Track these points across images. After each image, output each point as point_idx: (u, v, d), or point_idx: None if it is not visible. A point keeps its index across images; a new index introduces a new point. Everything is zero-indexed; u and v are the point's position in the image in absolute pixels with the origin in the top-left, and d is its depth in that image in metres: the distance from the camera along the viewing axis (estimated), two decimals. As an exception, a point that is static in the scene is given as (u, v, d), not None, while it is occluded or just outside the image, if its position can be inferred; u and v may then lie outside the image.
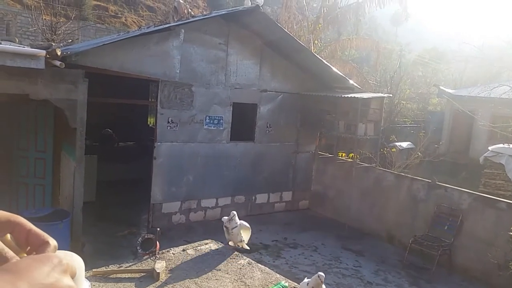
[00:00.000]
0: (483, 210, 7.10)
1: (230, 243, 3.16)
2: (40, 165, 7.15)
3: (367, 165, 9.16)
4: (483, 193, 7.92)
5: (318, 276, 2.83)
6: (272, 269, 3.17)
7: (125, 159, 10.47)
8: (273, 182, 9.50)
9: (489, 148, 10.88)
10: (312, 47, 13.54)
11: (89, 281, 2.03)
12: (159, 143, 7.74)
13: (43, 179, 7.15)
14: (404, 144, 11.56)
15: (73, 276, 0.54)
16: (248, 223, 8.83)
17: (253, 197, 9.30)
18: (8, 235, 0.58)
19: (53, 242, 0.60)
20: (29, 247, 0.59)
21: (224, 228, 3.10)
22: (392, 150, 10.08)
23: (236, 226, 3.03)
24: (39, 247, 0.59)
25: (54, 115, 7.02)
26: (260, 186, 9.31)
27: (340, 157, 10.02)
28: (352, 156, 9.96)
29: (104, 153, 9.73)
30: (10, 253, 0.56)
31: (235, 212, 3.12)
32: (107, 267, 2.85)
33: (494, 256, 6.28)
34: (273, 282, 2.75)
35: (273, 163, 9.42)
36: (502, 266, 6.08)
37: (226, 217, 3.58)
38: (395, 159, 9.69)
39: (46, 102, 6.16)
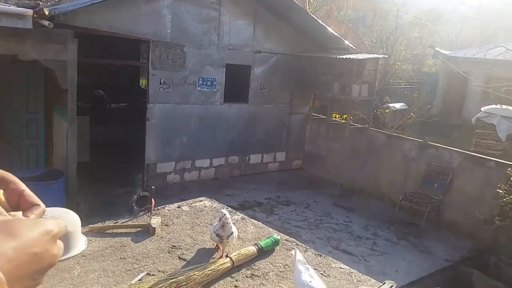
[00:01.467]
0: (473, 168, 7.25)
1: (220, 250, 2.58)
2: (32, 127, 7.12)
3: (360, 126, 9.21)
4: (474, 153, 8.04)
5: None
6: (265, 225, 3.25)
7: (118, 120, 10.43)
8: (266, 143, 9.56)
9: (482, 109, 10.95)
10: (307, 7, 13.23)
11: (86, 236, 2.08)
12: (151, 105, 7.69)
13: (36, 140, 7.14)
14: (398, 105, 11.58)
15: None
16: (242, 182, 9.01)
17: (247, 158, 9.38)
18: (1, 192, 0.59)
19: (42, 205, 0.61)
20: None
21: (215, 236, 2.41)
22: (386, 111, 10.11)
23: (231, 234, 2.43)
24: (30, 208, 0.59)
25: (45, 77, 6.92)
26: (254, 146, 9.37)
27: (333, 119, 10.05)
28: (345, 117, 9.99)
29: (96, 114, 9.68)
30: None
31: (226, 214, 2.42)
32: (103, 223, 2.91)
33: (481, 211, 6.47)
34: (266, 236, 2.84)
35: (266, 124, 9.44)
36: (487, 221, 6.29)
37: (214, 223, 2.52)
38: (388, 120, 9.74)
39: (36, 63, 6.05)
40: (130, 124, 10.01)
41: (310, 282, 2.03)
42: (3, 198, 0.58)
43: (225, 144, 8.86)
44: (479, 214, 6.42)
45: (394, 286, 2.04)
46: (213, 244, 2.67)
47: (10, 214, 0.56)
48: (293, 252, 2.33)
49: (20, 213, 0.57)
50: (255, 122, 9.24)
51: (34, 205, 0.60)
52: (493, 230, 6.22)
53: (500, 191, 6.10)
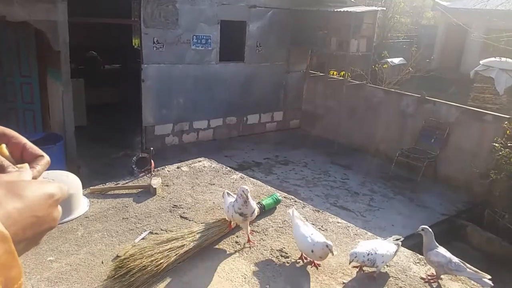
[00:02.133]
0: (470, 123, 7.27)
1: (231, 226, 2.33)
2: (27, 90, 7.03)
3: (358, 82, 9.13)
4: (471, 107, 8.04)
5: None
6: (264, 184, 3.28)
7: (113, 82, 10.30)
8: (264, 103, 9.51)
9: (480, 62, 10.82)
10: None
11: (87, 198, 2.10)
12: (145, 65, 7.56)
13: (31, 104, 7.08)
14: (396, 60, 11.42)
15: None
16: (241, 143, 9.06)
17: (245, 118, 9.36)
18: (4, 146, 0.59)
19: (46, 156, 0.61)
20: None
21: (238, 216, 2.12)
22: (384, 66, 9.99)
23: (254, 210, 2.16)
24: (34, 160, 0.60)
25: (36, 38, 6.75)
26: (251, 106, 9.32)
27: (331, 76, 9.94)
28: (343, 74, 9.88)
29: (91, 76, 9.54)
30: (6, 162, 0.57)
31: (247, 189, 2.11)
32: (104, 184, 2.94)
33: (477, 166, 6.56)
34: (265, 194, 2.87)
35: (263, 84, 9.34)
36: (483, 175, 6.39)
37: (229, 201, 2.26)
38: (386, 75, 9.64)
39: (26, 24, 5.89)
40: (125, 86, 9.89)
41: (311, 234, 2.08)
42: (7, 152, 0.59)
43: (222, 105, 8.81)
44: (475, 168, 6.51)
45: (401, 239, 2.10)
46: (227, 221, 2.36)
47: (17, 167, 0.57)
48: (290, 211, 2.36)
49: (26, 165, 0.58)
50: (252, 81, 9.14)
51: (37, 156, 0.60)
52: (488, 183, 6.33)
53: (496, 144, 6.15)
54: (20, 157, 0.60)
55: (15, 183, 0.52)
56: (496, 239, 5.89)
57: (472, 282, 2.08)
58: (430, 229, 2.04)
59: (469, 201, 6.87)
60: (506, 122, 6.58)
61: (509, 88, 10.22)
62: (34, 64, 6.95)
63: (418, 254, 2.22)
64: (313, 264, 2.12)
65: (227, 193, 2.41)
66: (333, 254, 2.00)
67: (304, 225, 2.20)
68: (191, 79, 8.22)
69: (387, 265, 2.11)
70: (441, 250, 1.99)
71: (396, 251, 2.07)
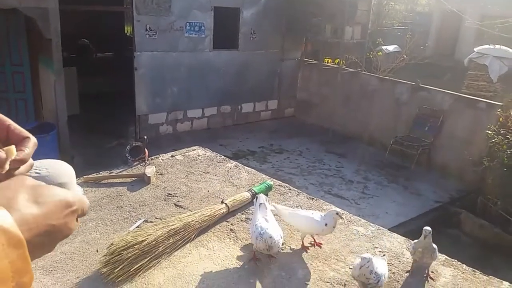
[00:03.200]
0: (464, 110, 7.30)
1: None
2: (18, 79, 6.94)
3: (352, 70, 9.11)
4: (465, 95, 8.06)
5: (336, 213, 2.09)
6: (258, 172, 3.28)
7: (105, 70, 10.20)
8: (258, 91, 9.47)
9: (475, 49, 10.83)
10: None
11: (81, 187, 2.08)
12: (138, 53, 7.49)
13: (23, 93, 7.00)
14: (391, 48, 11.39)
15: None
16: (235, 132, 9.06)
17: (239, 107, 9.33)
18: None
19: (33, 138, 0.60)
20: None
21: (264, 250, 1.92)
22: (378, 54, 9.96)
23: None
24: (21, 142, 0.59)
25: (27, 26, 6.64)
26: (245, 95, 9.28)
27: (325, 63, 9.90)
28: (337, 62, 9.85)
29: (83, 65, 9.44)
30: None
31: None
32: (98, 173, 2.92)
33: (470, 153, 6.61)
34: (259, 182, 2.88)
35: (258, 72, 9.30)
36: (476, 162, 6.43)
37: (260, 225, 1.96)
38: (380, 63, 9.62)
39: (16, 12, 5.79)
40: (118, 74, 9.80)
41: (312, 214, 2.13)
42: None
43: (217, 94, 8.77)
44: (468, 156, 6.55)
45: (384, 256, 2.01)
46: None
47: (3, 150, 0.56)
48: (271, 207, 2.24)
49: (13, 147, 0.57)
50: (246, 69, 9.08)
51: (24, 138, 0.59)
52: (481, 171, 6.38)
53: (490, 132, 6.18)
54: (6, 138, 0.59)
55: (37, 188, 0.52)
56: (489, 226, 5.96)
57: (464, 266, 2.11)
58: (430, 230, 1.95)
59: (463, 188, 6.93)
60: (499, 110, 6.62)
61: (503, 76, 10.25)
62: (25, 52, 6.85)
63: (411, 241, 2.24)
64: (316, 245, 2.18)
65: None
66: (343, 219, 2.12)
67: (296, 210, 2.23)
68: (184, 67, 8.16)
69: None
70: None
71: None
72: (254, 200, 2.28)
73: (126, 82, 8.34)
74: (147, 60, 7.63)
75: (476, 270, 2.09)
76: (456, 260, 2.15)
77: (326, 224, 2.06)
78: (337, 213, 2.06)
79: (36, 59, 6.88)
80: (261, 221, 2.03)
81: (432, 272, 2.04)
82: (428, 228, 1.95)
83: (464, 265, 2.12)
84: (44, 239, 0.50)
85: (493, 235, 5.87)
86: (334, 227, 2.09)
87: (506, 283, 2.01)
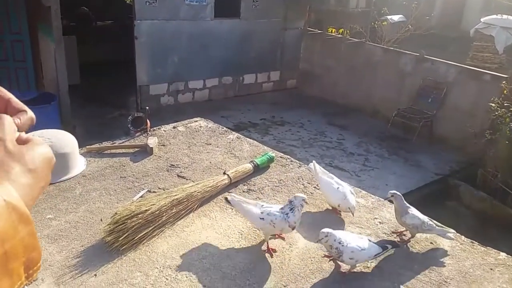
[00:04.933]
0: (468, 82, 7.22)
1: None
2: (18, 48, 6.85)
3: (356, 40, 8.95)
4: (470, 66, 7.95)
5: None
6: (260, 144, 3.29)
7: (105, 39, 10.06)
8: (260, 62, 9.35)
9: (481, 19, 10.60)
10: None
11: (84, 157, 2.09)
12: (138, 21, 7.35)
13: (23, 62, 6.93)
14: (396, 17, 11.15)
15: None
16: (237, 103, 8.99)
17: (241, 78, 9.24)
18: None
19: (30, 112, 0.60)
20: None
21: (288, 228, 1.89)
22: (383, 23, 9.76)
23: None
24: (17, 113, 0.59)
25: (24, -7, 6.50)
26: (247, 66, 9.17)
27: (329, 33, 9.72)
28: (342, 31, 9.67)
29: (83, 33, 9.30)
30: None
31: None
32: (100, 144, 2.93)
33: (473, 126, 6.58)
34: (261, 153, 2.88)
35: (260, 42, 9.14)
36: (478, 135, 6.42)
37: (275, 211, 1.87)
38: (385, 33, 9.44)
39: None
40: (118, 43, 9.67)
41: (338, 188, 2.21)
42: None
43: (218, 64, 8.66)
44: (470, 128, 6.53)
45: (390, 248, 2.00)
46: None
47: None
48: (311, 165, 2.44)
49: (4, 115, 0.57)
50: (248, 39, 8.93)
51: (21, 110, 0.59)
52: (482, 143, 6.37)
53: (493, 104, 6.14)
54: (5, 111, 0.59)
55: (23, 153, 0.52)
56: (488, 198, 6.01)
57: (463, 238, 2.14)
58: (399, 194, 2.03)
59: (464, 161, 6.94)
60: (504, 82, 6.54)
61: (509, 47, 10.08)
62: (24, 20, 6.73)
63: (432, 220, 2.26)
64: (337, 213, 2.27)
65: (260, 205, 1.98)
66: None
67: (330, 178, 2.33)
68: (185, 36, 8.03)
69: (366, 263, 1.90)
70: (415, 212, 1.99)
71: (378, 254, 1.83)
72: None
73: (126, 51, 8.24)
74: (147, 28, 7.50)
75: (474, 242, 2.13)
76: (454, 231, 2.18)
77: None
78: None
79: (35, 27, 6.77)
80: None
81: (404, 235, 2.09)
82: (392, 191, 2.06)
83: (463, 237, 2.15)
84: (35, 201, 0.52)
85: (492, 207, 5.92)
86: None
87: (503, 254, 2.04)
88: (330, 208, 2.30)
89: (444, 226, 2.03)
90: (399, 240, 2.07)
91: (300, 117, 8.29)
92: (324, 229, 1.77)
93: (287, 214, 1.85)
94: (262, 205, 1.94)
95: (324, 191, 2.32)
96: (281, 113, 8.45)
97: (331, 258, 1.87)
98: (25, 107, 0.60)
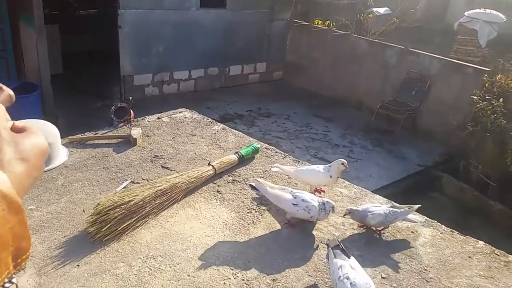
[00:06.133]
0: (451, 75, 7.32)
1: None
2: (-3, 37, 6.69)
3: (342, 32, 8.98)
4: (453, 59, 8.04)
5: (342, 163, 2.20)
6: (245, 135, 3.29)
7: (89, 28, 9.87)
8: (247, 53, 9.31)
9: (465, 13, 10.71)
10: None
11: (66, 147, 2.06)
12: (122, 10, 7.23)
13: (3, 51, 6.76)
14: (382, 10, 11.19)
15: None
16: (223, 95, 8.95)
17: (227, 69, 9.19)
18: None
19: (7, 88, 0.58)
20: None
21: (310, 218, 2.03)
22: (369, 16, 9.79)
23: None
24: None
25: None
26: (233, 57, 9.12)
27: (316, 25, 9.72)
28: (328, 23, 9.68)
29: (66, 23, 9.11)
30: None
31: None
32: (83, 134, 2.90)
33: (455, 118, 6.68)
34: (246, 144, 2.88)
35: (246, 33, 9.09)
36: (460, 127, 6.52)
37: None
38: (371, 25, 9.48)
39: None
40: (102, 33, 9.50)
41: (317, 167, 2.30)
42: None
43: (204, 55, 8.59)
44: (453, 121, 6.63)
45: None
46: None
47: None
48: (274, 169, 2.41)
49: None
50: (234, 30, 8.87)
51: None
52: (465, 135, 6.48)
53: (475, 97, 6.24)
54: None
55: (17, 142, 0.51)
56: (469, 189, 6.13)
57: (443, 227, 2.19)
58: (354, 209, 2.02)
59: (446, 152, 7.06)
60: (486, 75, 6.65)
61: (492, 41, 10.22)
62: (5, 8, 6.56)
63: (393, 202, 2.30)
64: (320, 192, 2.36)
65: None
66: (347, 169, 2.19)
67: (300, 166, 2.41)
68: (170, 26, 7.93)
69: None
70: (374, 210, 1.98)
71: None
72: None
73: (110, 41, 8.10)
74: (131, 17, 7.38)
75: (454, 231, 2.17)
76: (435, 221, 2.23)
77: (331, 176, 2.20)
78: (342, 163, 2.15)
79: (16, 15, 6.61)
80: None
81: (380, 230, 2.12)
82: (349, 208, 2.05)
83: (443, 226, 2.20)
84: (27, 191, 0.51)
85: (473, 198, 6.05)
86: (338, 177, 2.24)
87: (481, 243, 2.09)
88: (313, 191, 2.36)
89: (408, 206, 2.03)
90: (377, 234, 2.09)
91: (286, 109, 8.31)
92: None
93: (322, 209, 1.97)
94: (292, 191, 2.03)
95: (305, 177, 2.37)
96: (267, 104, 8.44)
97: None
98: (2, 85, 0.58)
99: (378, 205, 2.06)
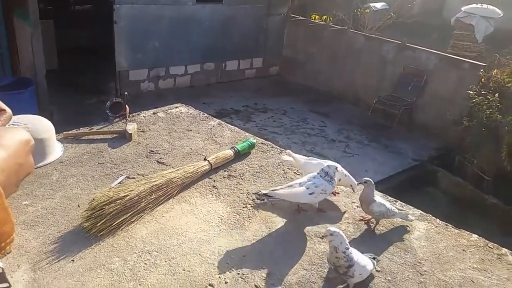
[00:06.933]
0: (448, 70, 7.33)
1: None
2: (-8, 32, 6.64)
3: (339, 27, 8.97)
4: (450, 54, 8.05)
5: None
6: (242, 130, 3.28)
7: (84, 24, 9.82)
8: (243, 48, 9.28)
9: (462, 8, 10.72)
10: None
11: (61, 143, 2.05)
12: (118, 5, 7.19)
13: (-2, 47, 6.73)
14: (378, 5, 11.18)
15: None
16: (219, 90, 8.94)
17: (223, 64, 9.17)
18: None
19: (8, 110, 0.59)
20: None
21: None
22: (366, 11, 9.79)
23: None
24: None
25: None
26: (230, 52, 9.10)
27: (312, 20, 9.70)
28: (325, 18, 9.66)
29: (61, 18, 9.06)
30: None
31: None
32: (78, 130, 2.88)
33: (451, 113, 6.71)
34: (242, 140, 2.88)
35: (243, 28, 9.07)
36: (456, 122, 6.55)
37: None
38: (368, 21, 9.47)
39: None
40: (97, 28, 9.45)
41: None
42: None
43: (200, 50, 8.56)
44: (449, 116, 6.65)
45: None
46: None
47: None
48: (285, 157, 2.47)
49: None
50: (231, 24, 8.84)
51: (0, 110, 0.58)
52: (460, 130, 6.51)
53: (471, 92, 6.26)
54: None
55: (1, 135, 0.51)
56: (464, 184, 6.16)
57: (437, 221, 2.20)
58: (372, 182, 2.02)
59: (442, 147, 7.09)
60: (482, 70, 6.67)
61: (488, 36, 10.24)
62: (-1, 3, 6.52)
63: (388, 196, 2.31)
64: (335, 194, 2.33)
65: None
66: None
67: (310, 159, 2.43)
68: (166, 21, 7.89)
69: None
70: (381, 200, 2.03)
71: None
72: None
73: (105, 36, 8.06)
74: (127, 12, 7.35)
75: (448, 224, 2.18)
76: (430, 215, 2.24)
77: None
78: (336, 168, 2.10)
79: (11, 10, 6.56)
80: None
81: (372, 223, 2.11)
82: (366, 178, 2.03)
83: (438, 220, 2.21)
84: (13, 178, 0.51)
85: (468, 192, 6.09)
86: (339, 179, 2.19)
87: (475, 236, 2.11)
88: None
89: (404, 209, 2.09)
90: (365, 223, 2.11)
91: (283, 104, 8.31)
92: (331, 227, 1.64)
93: (330, 180, 1.99)
94: (300, 183, 2.01)
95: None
96: (264, 100, 8.44)
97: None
98: (4, 106, 0.59)
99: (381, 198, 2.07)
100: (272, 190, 2.03)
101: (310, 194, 1.97)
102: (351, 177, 2.25)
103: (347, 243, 1.62)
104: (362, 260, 1.66)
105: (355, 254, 1.65)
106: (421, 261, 1.89)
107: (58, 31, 8.55)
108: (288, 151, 2.60)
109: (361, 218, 2.13)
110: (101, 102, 6.91)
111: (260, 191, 2.13)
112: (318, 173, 2.02)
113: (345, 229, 2.08)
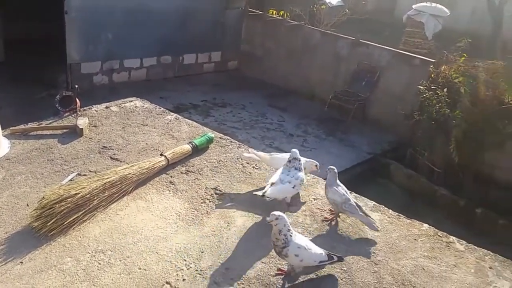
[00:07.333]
0: (400, 66, 7.59)
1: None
2: None
3: (296, 23, 9.05)
4: (401, 51, 8.34)
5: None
6: (200, 125, 3.24)
7: (33, 14, 9.30)
8: (201, 42, 9.15)
9: (413, 6, 11.13)
10: None
11: (8, 139, 1.94)
12: (69, -5, 6.87)
13: None
14: (334, 2, 11.38)
15: None
16: (177, 84, 8.77)
17: (181, 58, 9.00)
18: None
19: None
20: None
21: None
22: (322, 7, 9.93)
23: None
24: None
25: None
26: (187, 45, 8.93)
27: (270, 15, 9.72)
28: (282, 14, 9.72)
29: (8, 7, 8.53)
30: None
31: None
32: (26, 125, 2.74)
33: (403, 108, 6.96)
34: (200, 135, 2.85)
35: (200, 20, 8.92)
36: (408, 116, 6.81)
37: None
38: (323, 17, 9.63)
39: None
40: (48, 19, 8.98)
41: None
42: None
43: (156, 43, 8.35)
44: (401, 110, 6.90)
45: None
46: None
47: None
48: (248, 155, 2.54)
49: None
50: (189, 17, 8.68)
51: None
52: (411, 124, 6.77)
53: (421, 87, 6.52)
54: None
55: None
56: (416, 176, 6.43)
57: (390, 211, 2.28)
58: (335, 169, 2.10)
59: (395, 141, 7.35)
60: (431, 66, 6.96)
61: (437, 33, 10.71)
62: None
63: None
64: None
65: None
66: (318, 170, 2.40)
67: (274, 154, 2.57)
68: (120, 11, 7.62)
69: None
70: (340, 189, 2.05)
71: (323, 262, 1.74)
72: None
73: (56, 26, 7.67)
74: (79, 2, 7.02)
75: (400, 215, 2.27)
76: (383, 206, 2.32)
77: (305, 168, 2.27)
78: (316, 165, 2.37)
79: None
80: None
81: (333, 221, 2.16)
82: (331, 166, 2.15)
83: (390, 210, 2.29)
84: None
85: (419, 184, 6.36)
86: (307, 174, 2.32)
87: (426, 225, 2.21)
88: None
89: (369, 216, 2.07)
90: (326, 221, 2.14)
91: (242, 99, 8.29)
92: (276, 212, 1.66)
93: (299, 164, 2.14)
94: (281, 180, 2.08)
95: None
96: (223, 94, 8.38)
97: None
98: None
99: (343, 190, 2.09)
100: (271, 192, 2.05)
101: (293, 187, 2.08)
102: (311, 160, 2.44)
103: (290, 226, 1.67)
104: (303, 244, 1.67)
105: (299, 238, 1.69)
106: (375, 251, 1.95)
107: (5, 21, 8.05)
108: (251, 149, 2.61)
109: (324, 218, 2.15)
110: (51, 96, 6.57)
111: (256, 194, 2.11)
112: (287, 165, 2.12)
113: (302, 221, 2.12)
